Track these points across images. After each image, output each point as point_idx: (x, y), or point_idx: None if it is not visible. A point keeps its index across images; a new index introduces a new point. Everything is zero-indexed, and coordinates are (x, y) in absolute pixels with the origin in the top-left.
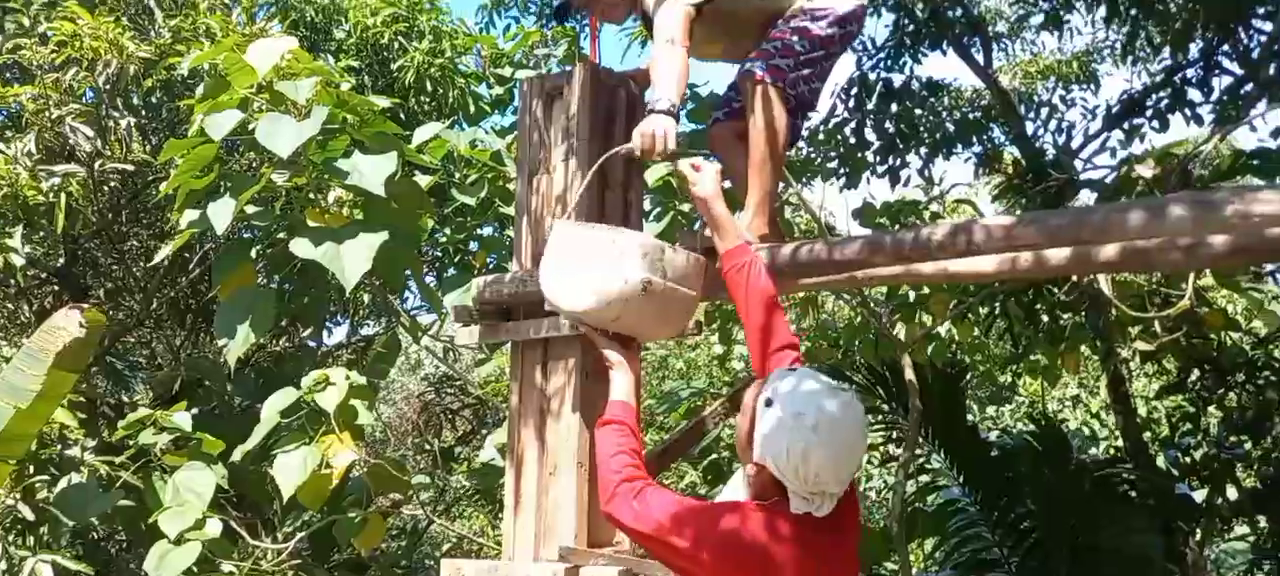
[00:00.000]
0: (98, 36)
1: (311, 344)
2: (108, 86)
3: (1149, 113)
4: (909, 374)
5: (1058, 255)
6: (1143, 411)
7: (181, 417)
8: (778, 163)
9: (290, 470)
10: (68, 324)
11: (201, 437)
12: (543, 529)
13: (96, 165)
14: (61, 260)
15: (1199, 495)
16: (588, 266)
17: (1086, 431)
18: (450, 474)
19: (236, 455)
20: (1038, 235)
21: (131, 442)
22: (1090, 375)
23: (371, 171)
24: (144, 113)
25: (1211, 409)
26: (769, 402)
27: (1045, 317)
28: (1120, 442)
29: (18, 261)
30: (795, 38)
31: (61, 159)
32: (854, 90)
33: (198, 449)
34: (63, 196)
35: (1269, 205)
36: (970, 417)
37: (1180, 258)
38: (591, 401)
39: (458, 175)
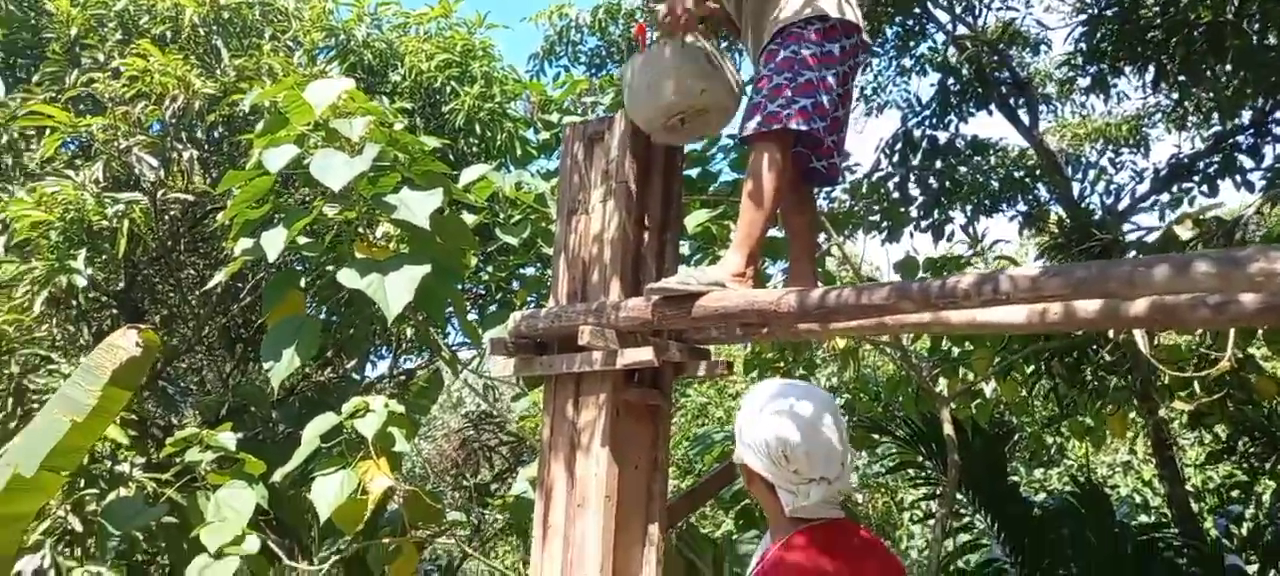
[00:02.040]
0: (167, 73)
1: (355, 375)
2: (174, 120)
3: (1198, 177)
4: (948, 428)
5: (1086, 308)
6: (1197, 480)
7: (227, 437)
8: (763, 211)
9: (328, 493)
10: (125, 343)
11: (244, 458)
12: (569, 561)
13: (159, 194)
14: (121, 284)
15: (1252, 569)
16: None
17: (1137, 498)
18: (485, 508)
19: (277, 477)
20: (1064, 286)
21: (178, 460)
22: (1143, 441)
23: (418, 206)
24: (206, 146)
25: (1265, 478)
26: (742, 412)
27: (1089, 377)
28: (1167, 509)
29: (80, 282)
30: (778, 74)
31: (126, 187)
32: (898, 145)
33: (240, 469)
34: (126, 222)
35: None
36: (1014, 478)
37: (1209, 315)
38: (620, 437)
39: (502, 215)
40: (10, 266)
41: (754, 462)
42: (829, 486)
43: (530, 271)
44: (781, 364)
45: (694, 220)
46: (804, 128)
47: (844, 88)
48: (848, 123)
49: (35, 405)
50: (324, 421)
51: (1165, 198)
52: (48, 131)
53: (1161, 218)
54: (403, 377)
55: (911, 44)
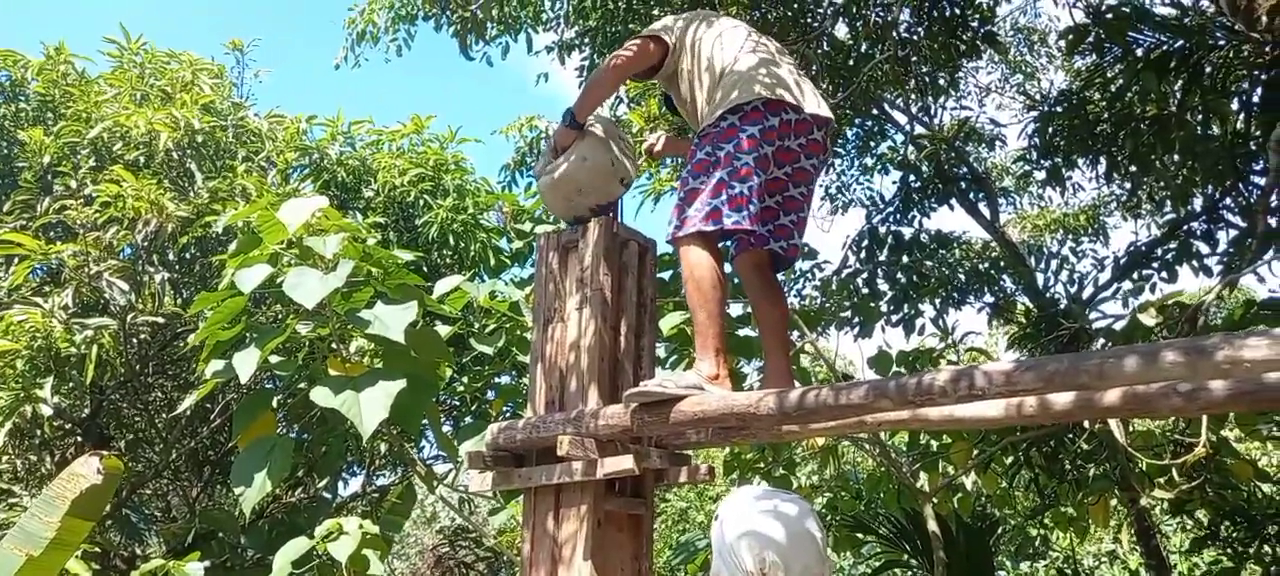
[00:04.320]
0: (140, 197)
1: (326, 495)
2: (145, 243)
3: (1156, 264)
4: (932, 524)
5: (1061, 400)
6: (1183, 567)
7: (194, 568)
8: (710, 309)
9: None
10: (87, 471)
11: None
12: None
13: (129, 317)
14: (87, 411)
15: None
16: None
17: None
18: None
19: None
20: (1037, 380)
21: None
22: (1127, 531)
23: (393, 320)
24: (178, 267)
25: (1251, 563)
26: (716, 518)
27: (1068, 466)
28: None
29: (46, 412)
30: (693, 177)
31: (96, 311)
32: (865, 242)
33: None
34: (94, 349)
35: (1258, 351)
36: (1002, 574)
37: (1181, 403)
38: (603, 548)
39: (477, 325)
40: None
41: (731, 570)
42: None
43: (505, 380)
44: (762, 463)
45: (668, 322)
46: (717, 227)
47: (793, 165)
48: (809, 202)
49: None
50: (296, 547)
51: (1127, 284)
52: (17, 260)
53: (1125, 304)
54: (376, 494)
55: (872, 143)
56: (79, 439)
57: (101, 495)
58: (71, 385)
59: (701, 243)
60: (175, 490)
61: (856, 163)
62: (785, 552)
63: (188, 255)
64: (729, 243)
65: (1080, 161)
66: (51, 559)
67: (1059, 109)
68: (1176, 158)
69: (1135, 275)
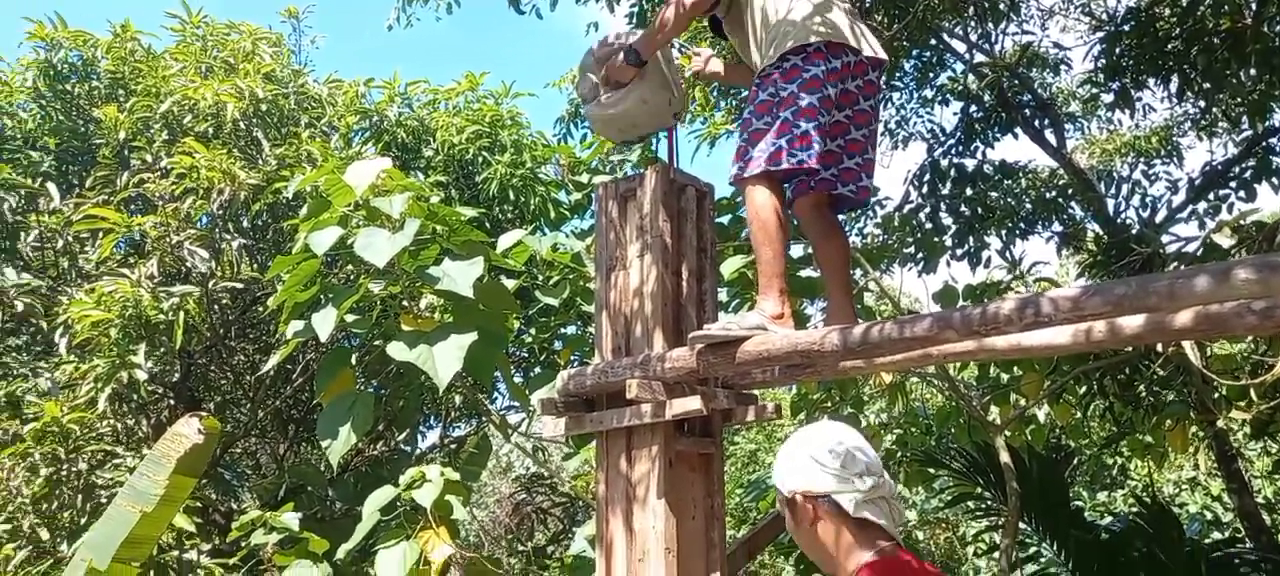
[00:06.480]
0: (212, 167)
1: (406, 448)
2: (221, 212)
3: (1234, 183)
4: (1005, 456)
5: (1130, 324)
6: (1268, 491)
7: (290, 518)
8: (775, 248)
9: (391, 565)
10: (188, 431)
11: (308, 536)
12: None
13: (210, 284)
14: (177, 375)
15: None
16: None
17: (1208, 515)
18: (545, 570)
19: (340, 554)
20: (1105, 304)
21: (243, 544)
22: (1207, 456)
23: (460, 276)
24: (252, 234)
25: None
26: (781, 454)
27: (1143, 393)
28: (1240, 524)
29: (141, 376)
30: (757, 118)
31: (179, 280)
32: (926, 176)
33: (304, 548)
34: (181, 315)
35: None
36: (1078, 503)
37: (1255, 321)
38: (675, 488)
39: (541, 277)
40: (72, 366)
41: (808, 480)
42: (881, 481)
43: (571, 331)
44: (828, 403)
45: (729, 267)
46: (780, 167)
47: (853, 107)
48: (874, 142)
49: (102, 500)
50: (383, 494)
51: (1202, 206)
52: (103, 233)
53: (1201, 226)
54: (452, 446)
55: (931, 75)
56: (171, 402)
57: (202, 453)
58: (162, 350)
59: (766, 183)
60: (263, 448)
61: (915, 95)
62: (852, 436)
63: (261, 222)
64: (789, 183)
65: (1150, 81)
66: (161, 514)
67: (1126, 28)
68: (1253, 72)
69: (1211, 195)
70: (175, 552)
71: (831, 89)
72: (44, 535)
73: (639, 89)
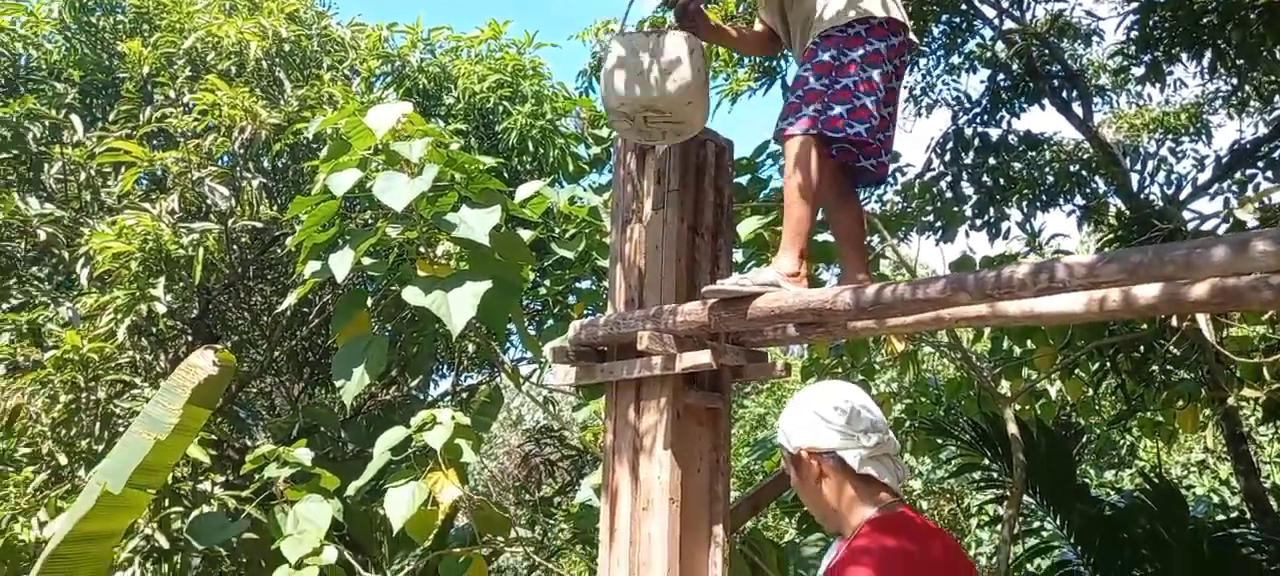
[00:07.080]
0: (234, 105)
1: (418, 394)
2: (242, 150)
3: (1262, 162)
4: (1012, 428)
5: (1146, 294)
6: (1277, 476)
7: (303, 453)
8: (805, 210)
9: (400, 504)
10: (203, 362)
11: (319, 472)
12: (636, 563)
13: (230, 222)
14: (195, 311)
15: None
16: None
17: (1214, 498)
18: (551, 517)
19: (350, 491)
20: (1121, 272)
21: (257, 477)
22: (1216, 438)
23: (477, 223)
24: (272, 174)
25: None
26: (787, 411)
27: (1156, 372)
28: (1245, 506)
29: (160, 309)
30: (816, 78)
31: (199, 217)
32: (949, 144)
33: (315, 484)
34: (201, 251)
35: None
36: (1085, 480)
37: (1272, 295)
38: (682, 440)
39: (557, 230)
40: (92, 297)
41: (814, 436)
42: (885, 438)
43: (586, 285)
44: (839, 369)
45: (745, 227)
46: (837, 134)
47: (889, 86)
48: (896, 121)
49: (120, 429)
50: (394, 435)
51: (1228, 184)
52: (125, 167)
53: (1226, 205)
54: (464, 394)
55: (959, 41)
56: (190, 337)
57: (217, 385)
58: (181, 285)
59: (816, 144)
60: (278, 388)
61: (943, 61)
62: (859, 398)
63: (281, 162)
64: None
65: (1183, 55)
66: (175, 442)
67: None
68: None
69: (1238, 174)
70: (190, 482)
71: (889, 66)
72: (62, 460)
73: (690, 72)
